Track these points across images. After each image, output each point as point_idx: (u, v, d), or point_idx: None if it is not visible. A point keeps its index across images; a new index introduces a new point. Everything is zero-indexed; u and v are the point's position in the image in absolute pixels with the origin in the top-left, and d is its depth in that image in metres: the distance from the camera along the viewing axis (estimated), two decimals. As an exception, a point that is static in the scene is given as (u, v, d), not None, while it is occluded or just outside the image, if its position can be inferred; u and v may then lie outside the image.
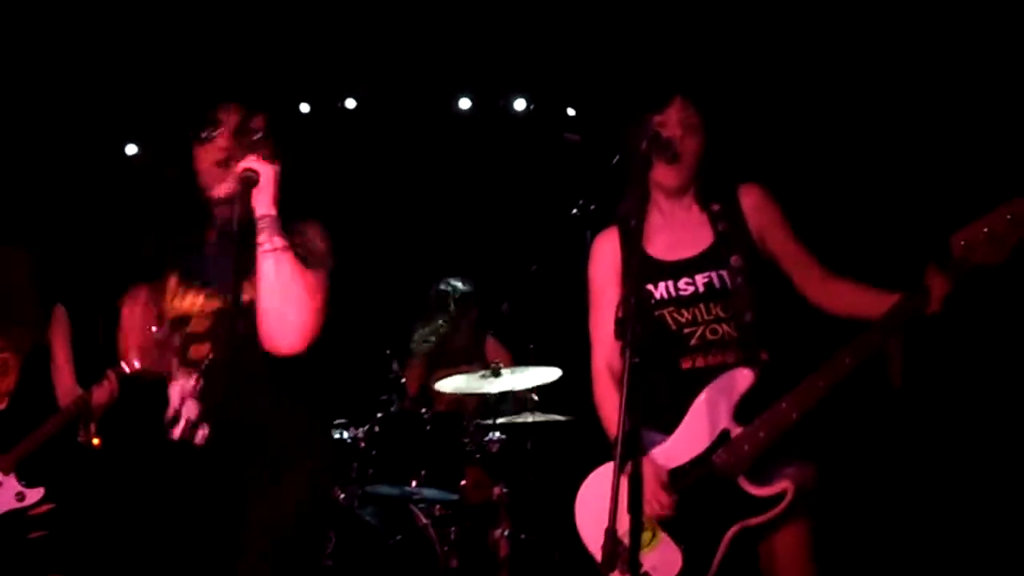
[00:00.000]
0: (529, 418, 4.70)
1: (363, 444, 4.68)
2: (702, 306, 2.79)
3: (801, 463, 2.73)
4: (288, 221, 2.60)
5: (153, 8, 5.38)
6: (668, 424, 2.81)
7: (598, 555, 2.40)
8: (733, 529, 2.67)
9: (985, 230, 2.47)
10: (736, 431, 2.71)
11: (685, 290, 2.81)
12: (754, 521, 2.67)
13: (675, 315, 2.83)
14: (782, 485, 2.65)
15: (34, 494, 3.99)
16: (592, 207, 4.63)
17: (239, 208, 2.53)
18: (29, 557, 3.98)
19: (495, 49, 5.87)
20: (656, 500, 2.71)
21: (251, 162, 2.55)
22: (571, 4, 5.50)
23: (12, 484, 3.98)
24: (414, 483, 4.68)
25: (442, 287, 5.42)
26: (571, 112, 6.23)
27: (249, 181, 2.53)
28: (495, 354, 5.18)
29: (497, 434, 4.72)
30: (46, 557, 4.01)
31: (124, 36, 5.50)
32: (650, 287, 2.84)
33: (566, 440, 4.89)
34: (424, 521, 4.65)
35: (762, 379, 2.73)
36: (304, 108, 6.17)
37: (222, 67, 5.75)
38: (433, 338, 5.37)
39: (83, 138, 6.02)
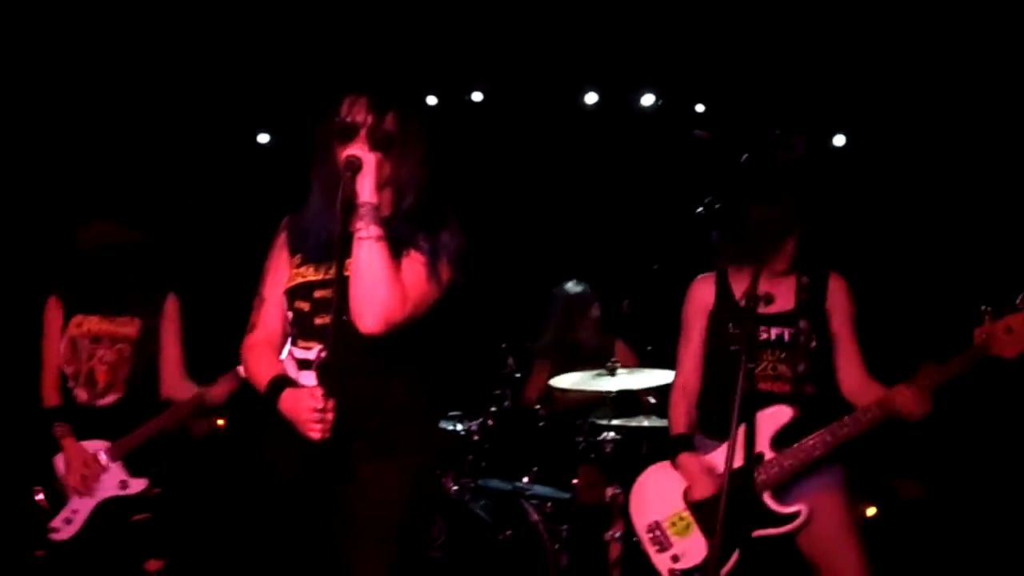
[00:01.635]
0: (644, 422, 4.61)
1: (476, 437, 4.68)
2: (770, 350, 3.45)
3: (828, 470, 3.38)
4: (428, 218, 2.68)
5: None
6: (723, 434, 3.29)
7: (647, 544, 3.53)
8: (752, 535, 3.30)
9: (1007, 327, 3.10)
10: (769, 455, 3.36)
11: (762, 335, 3.45)
12: (770, 532, 3.35)
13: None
14: (798, 507, 3.34)
15: (137, 484, 4.06)
16: (718, 206, 4.54)
17: (343, 193, 2.57)
18: (131, 539, 4.05)
19: (624, 43, 5.79)
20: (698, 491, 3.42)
21: (355, 149, 2.60)
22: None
23: (117, 472, 4.06)
24: (526, 479, 4.66)
25: (557, 290, 5.43)
26: (700, 108, 6.10)
27: (352, 167, 2.58)
28: (623, 358, 5.10)
29: (612, 435, 4.65)
30: (148, 540, 4.08)
31: (255, 27, 5.62)
32: (730, 326, 3.52)
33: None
34: (535, 518, 4.62)
35: (803, 414, 3.37)
36: (431, 101, 6.19)
37: (351, 58, 5.84)
38: (552, 341, 5.35)
39: (216, 127, 6.17)
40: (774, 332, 3.46)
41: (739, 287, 3.50)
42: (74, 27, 5.34)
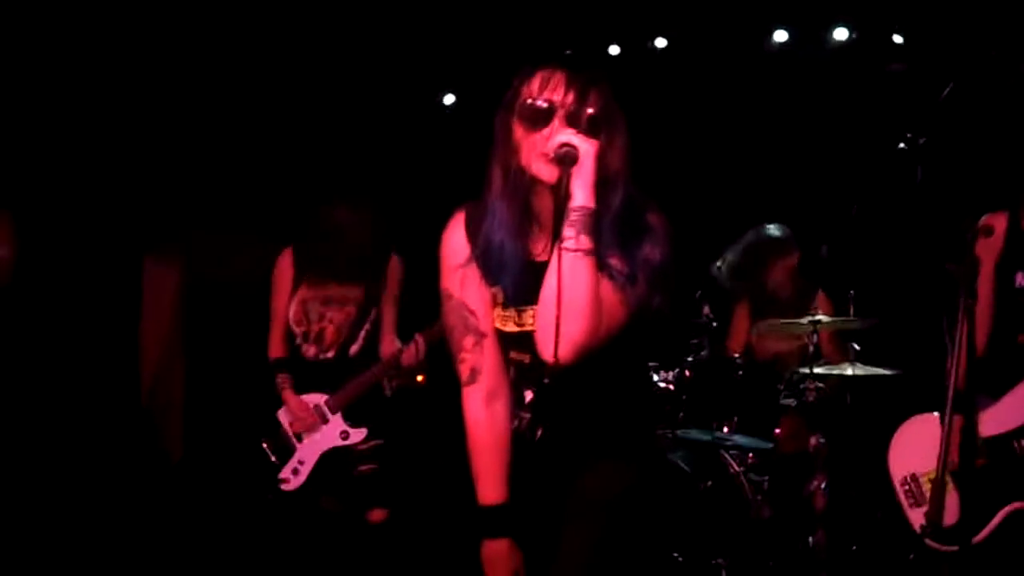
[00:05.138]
0: (848, 370, 4.45)
1: (672, 387, 4.65)
2: None
3: None
4: (632, 221, 2.29)
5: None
6: (995, 391, 3.14)
7: (902, 496, 3.33)
8: (1008, 507, 3.05)
9: None
10: None
11: None
12: None
13: None
14: None
15: (357, 434, 4.27)
16: (921, 140, 4.33)
17: (558, 193, 2.19)
18: (357, 490, 4.29)
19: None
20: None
21: (569, 136, 2.17)
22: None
23: (338, 423, 4.28)
24: (726, 429, 4.60)
25: (756, 230, 5.22)
26: (897, 40, 5.78)
27: (568, 159, 2.15)
28: (823, 308, 4.92)
29: (815, 383, 4.52)
30: (373, 491, 4.31)
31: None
32: (1019, 274, 3.18)
33: (887, 394, 4.62)
34: (736, 468, 4.57)
35: None
36: (614, 50, 6.12)
37: (533, 15, 5.83)
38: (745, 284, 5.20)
39: (400, 88, 6.29)
40: None
41: None
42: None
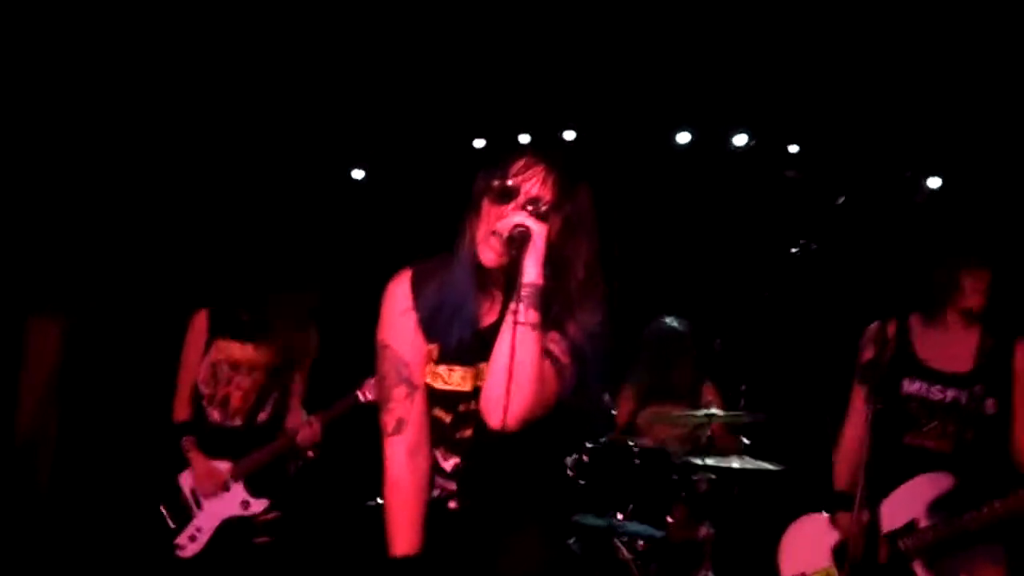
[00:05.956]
0: (735, 463, 4.60)
1: (572, 472, 4.71)
2: (942, 411, 3.34)
3: (987, 549, 3.22)
4: (584, 305, 2.36)
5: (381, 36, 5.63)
6: (882, 491, 3.26)
7: None
8: None
9: None
10: (924, 523, 3.24)
11: (935, 396, 3.36)
12: None
13: (919, 408, 3.39)
14: None
15: (258, 504, 4.21)
16: (813, 246, 4.55)
17: (509, 271, 2.30)
18: (253, 561, 4.20)
19: (717, 83, 5.82)
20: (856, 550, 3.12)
21: (522, 218, 2.28)
22: (797, 42, 5.41)
23: (239, 491, 4.22)
24: (621, 516, 4.67)
25: (657, 326, 5.37)
26: (793, 149, 6.09)
27: (523, 239, 2.25)
28: (712, 399, 5.09)
29: (705, 474, 4.65)
30: (268, 564, 4.22)
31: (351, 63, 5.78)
32: (906, 381, 3.41)
33: (773, 488, 4.77)
34: (626, 555, 4.62)
35: (967, 483, 3.24)
36: (523, 139, 6.28)
37: (446, 96, 5.97)
38: (646, 377, 5.33)
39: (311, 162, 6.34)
40: (949, 394, 3.37)
41: (922, 340, 3.44)
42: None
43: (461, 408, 2.43)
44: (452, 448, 2.45)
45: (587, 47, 5.69)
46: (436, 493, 2.48)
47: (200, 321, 4.35)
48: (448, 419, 2.45)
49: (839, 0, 5.10)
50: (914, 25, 5.05)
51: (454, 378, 2.43)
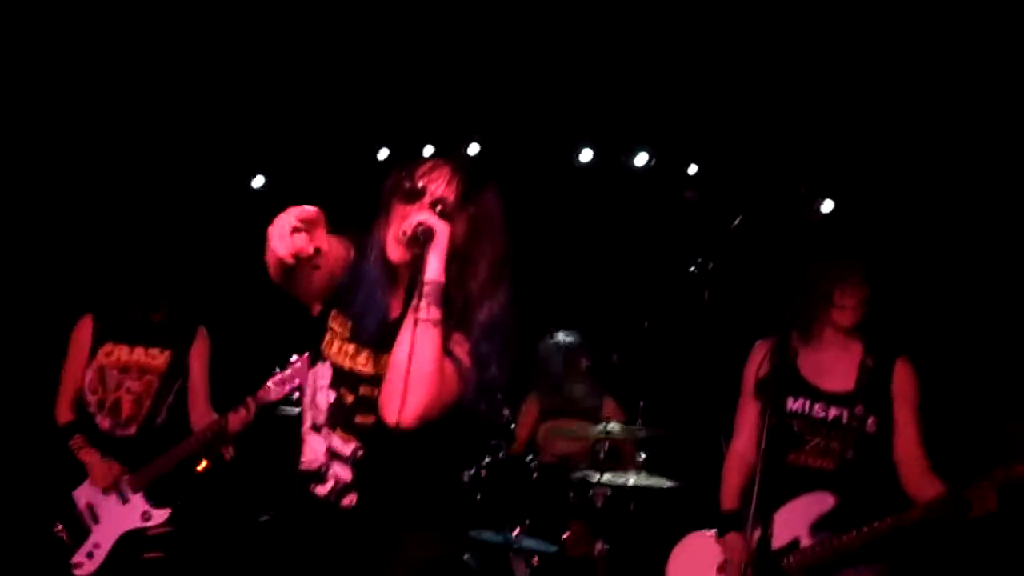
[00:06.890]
0: (631, 480, 4.63)
1: (468, 487, 4.69)
2: (825, 429, 3.35)
3: (868, 568, 3.23)
4: (487, 304, 2.39)
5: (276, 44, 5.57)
6: (766, 510, 3.27)
7: None
8: None
9: None
10: (806, 542, 3.26)
11: (818, 414, 3.38)
12: None
13: (802, 426, 3.40)
14: None
15: (160, 515, 4.06)
16: (709, 266, 4.64)
17: (414, 267, 2.34)
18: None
19: (619, 102, 5.89)
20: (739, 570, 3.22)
21: (426, 217, 2.32)
22: (699, 62, 5.51)
23: (139, 503, 4.05)
24: (517, 531, 4.67)
25: (549, 340, 5.39)
26: (692, 169, 6.19)
27: (426, 237, 2.29)
28: (612, 414, 5.13)
29: (602, 489, 4.67)
30: None
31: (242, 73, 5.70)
32: (789, 399, 3.40)
33: (669, 504, 4.82)
34: (522, 571, 4.63)
35: (849, 502, 3.27)
36: (427, 152, 6.26)
37: (351, 109, 5.92)
38: (544, 390, 5.34)
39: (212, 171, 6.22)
40: (831, 412, 3.37)
41: (803, 357, 3.43)
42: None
43: (363, 391, 2.44)
44: (351, 432, 2.44)
45: (492, 62, 5.71)
46: (331, 485, 2.46)
47: (85, 325, 4.20)
48: (350, 399, 2.46)
49: (739, 24, 5.20)
50: (810, 48, 5.18)
51: (360, 359, 2.46)
